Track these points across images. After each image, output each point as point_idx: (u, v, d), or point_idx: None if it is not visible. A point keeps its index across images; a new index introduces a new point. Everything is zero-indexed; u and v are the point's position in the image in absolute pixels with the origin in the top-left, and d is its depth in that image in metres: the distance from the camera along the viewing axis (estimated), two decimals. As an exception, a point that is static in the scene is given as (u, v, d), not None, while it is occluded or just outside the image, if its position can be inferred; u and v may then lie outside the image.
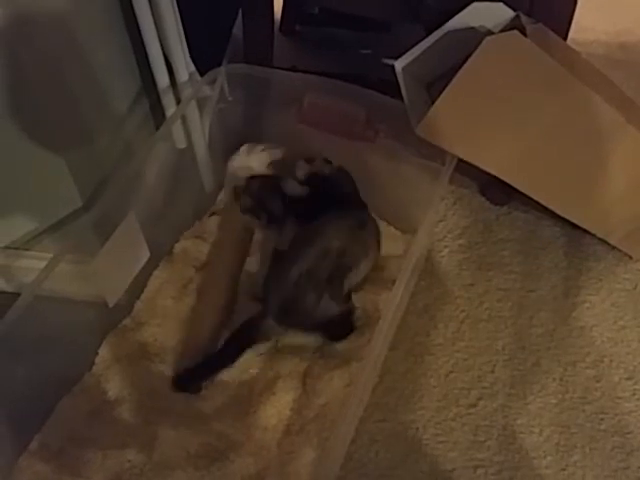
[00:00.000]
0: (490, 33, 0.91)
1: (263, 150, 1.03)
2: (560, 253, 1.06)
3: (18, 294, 0.78)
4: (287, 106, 1.05)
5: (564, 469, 0.82)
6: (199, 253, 1.03)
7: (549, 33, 0.94)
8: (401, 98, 0.95)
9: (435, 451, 0.83)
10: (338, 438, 0.69)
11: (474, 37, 0.88)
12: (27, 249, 0.94)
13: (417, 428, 0.85)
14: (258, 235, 1.05)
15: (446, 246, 1.07)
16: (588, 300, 1.00)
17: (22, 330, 0.76)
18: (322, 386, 0.85)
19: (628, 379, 0.91)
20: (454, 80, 0.86)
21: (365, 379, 0.74)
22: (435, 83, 0.97)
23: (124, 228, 0.87)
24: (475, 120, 0.89)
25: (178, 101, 1.03)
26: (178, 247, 1.04)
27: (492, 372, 0.91)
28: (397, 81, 0.95)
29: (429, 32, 0.95)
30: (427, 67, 0.96)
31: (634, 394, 0.89)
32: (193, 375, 0.87)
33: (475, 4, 0.91)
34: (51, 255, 0.82)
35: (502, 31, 0.91)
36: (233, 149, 1.09)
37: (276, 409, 0.84)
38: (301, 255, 0.87)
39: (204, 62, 1.04)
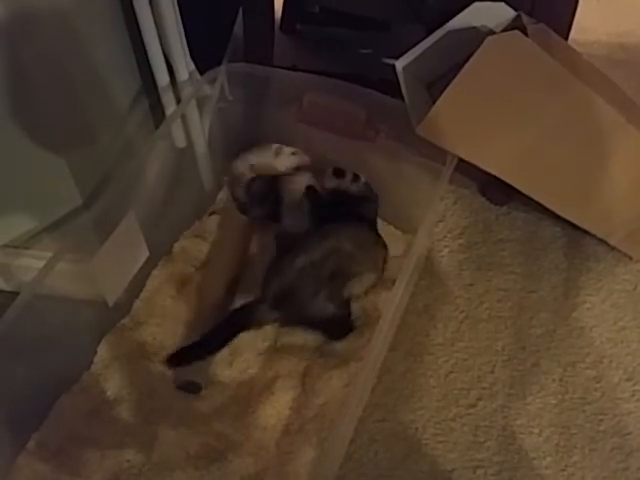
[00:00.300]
0: (491, 33, 0.91)
1: (293, 154, 1.04)
2: (560, 253, 1.06)
3: (17, 293, 0.78)
4: (287, 105, 1.05)
5: (564, 470, 0.82)
6: (198, 252, 1.03)
7: (550, 33, 0.94)
8: (401, 98, 0.95)
9: (434, 451, 0.83)
10: (337, 438, 0.69)
11: (475, 37, 0.88)
12: (26, 248, 0.93)
13: (416, 428, 0.85)
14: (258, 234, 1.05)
15: (446, 246, 1.07)
16: (588, 301, 1.00)
17: (21, 329, 0.76)
18: (321, 386, 0.85)
19: (628, 380, 0.91)
20: (455, 80, 0.86)
21: (364, 379, 0.74)
22: (436, 83, 0.97)
23: (123, 227, 0.86)
24: (476, 120, 0.89)
25: (178, 100, 1.02)
26: (177, 246, 1.04)
27: (492, 372, 0.91)
28: (398, 81, 0.95)
29: (430, 32, 0.95)
30: (428, 67, 0.96)
31: (633, 395, 0.89)
32: (186, 354, 0.85)
33: (476, 4, 0.91)
34: (50, 254, 0.81)
35: (503, 31, 0.90)
36: (233, 148, 1.09)
37: (275, 409, 0.84)
38: (310, 247, 0.87)
39: (204, 61, 1.04)
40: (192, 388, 0.87)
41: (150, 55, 0.95)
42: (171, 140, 1.03)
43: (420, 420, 0.86)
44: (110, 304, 0.87)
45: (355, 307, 0.94)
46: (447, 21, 0.93)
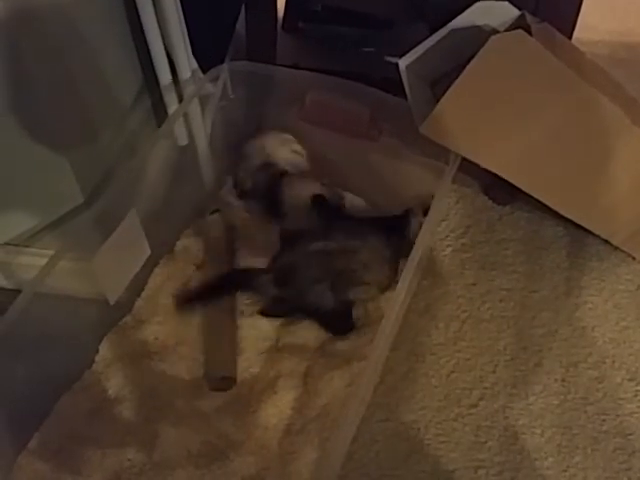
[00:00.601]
0: (495, 32, 0.90)
1: (295, 152, 1.03)
2: (563, 253, 1.05)
3: (18, 291, 0.77)
4: (290, 104, 1.05)
5: (565, 470, 0.82)
6: (200, 251, 1.02)
7: (554, 32, 0.93)
8: (404, 96, 0.95)
9: (436, 451, 0.83)
10: (339, 438, 0.69)
11: (479, 36, 0.88)
12: (27, 246, 0.93)
13: (418, 428, 0.85)
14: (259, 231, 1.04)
15: (448, 245, 1.06)
16: (590, 301, 0.99)
17: (22, 328, 0.75)
18: (323, 386, 0.85)
19: (630, 380, 0.90)
20: (459, 79, 0.86)
21: (367, 379, 0.74)
22: (439, 82, 0.96)
23: (125, 225, 0.86)
24: (479, 119, 0.89)
25: (180, 98, 1.02)
26: (179, 245, 1.03)
27: (494, 372, 0.91)
28: (401, 79, 0.95)
29: (433, 30, 0.95)
30: (431, 65, 0.95)
31: (636, 395, 0.89)
32: (188, 297, 0.91)
33: (480, 3, 0.91)
34: (52, 252, 0.81)
35: (507, 30, 0.90)
36: (235, 146, 1.09)
37: (277, 408, 0.83)
38: (331, 236, 0.88)
39: (207, 59, 1.04)
40: (226, 384, 0.87)
41: (152, 53, 0.95)
42: (173, 138, 1.03)
43: (422, 420, 0.86)
44: (111, 303, 0.87)
45: (357, 307, 0.94)
46: (450, 20, 0.93)
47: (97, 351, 0.90)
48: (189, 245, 1.03)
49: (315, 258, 0.87)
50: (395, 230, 0.94)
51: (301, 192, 0.99)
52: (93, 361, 0.89)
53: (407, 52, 0.95)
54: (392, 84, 0.95)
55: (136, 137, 1.03)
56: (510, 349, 0.93)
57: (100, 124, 0.95)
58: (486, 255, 1.05)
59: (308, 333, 0.92)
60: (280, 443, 0.81)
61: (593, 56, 1.03)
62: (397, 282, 0.86)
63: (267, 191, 1.02)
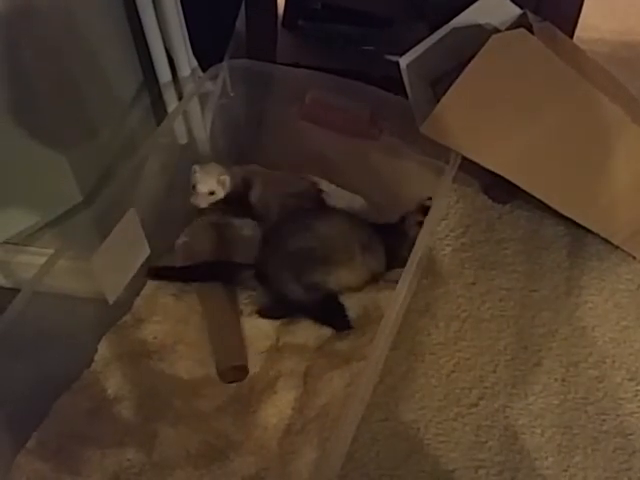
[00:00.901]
0: (496, 31, 0.90)
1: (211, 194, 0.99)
2: (563, 252, 1.05)
3: (17, 290, 0.77)
4: (290, 102, 1.05)
5: (566, 470, 0.82)
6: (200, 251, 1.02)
7: (556, 31, 0.93)
8: (404, 95, 0.95)
9: (436, 451, 0.83)
10: (339, 438, 0.69)
11: (480, 34, 0.88)
12: (26, 245, 0.93)
13: (418, 428, 0.85)
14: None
15: (448, 244, 1.06)
16: (590, 300, 0.99)
17: (21, 327, 0.75)
18: (323, 385, 0.85)
19: (630, 380, 0.90)
20: (459, 78, 0.85)
21: (367, 378, 0.74)
22: (440, 80, 0.96)
23: (124, 224, 0.86)
24: (480, 119, 0.89)
25: (180, 97, 1.02)
26: (179, 244, 1.03)
27: (494, 372, 0.91)
28: (401, 78, 0.94)
29: (433, 29, 0.95)
30: (432, 64, 0.95)
31: (636, 395, 0.89)
32: (164, 271, 0.96)
33: (481, 1, 0.91)
34: (51, 251, 0.81)
35: (509, 29, 0.90)
36: (235, 145, 1.09)
37: (277, 408, 0.83)
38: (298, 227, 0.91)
39: (206, 57, 1.03)
40: (239, 373, 0.87)
41: (152, 51, 0.95)
42: (172, 137, 1.03)
43: (422, 420, 0.86)
44: (110, 302, 0.87)
45: (357, 306, 0.93)
46: (451, 18, 0.93)
47: (96, 350, 0.90)
48: (189, 244, 1.03)
49: (284, 251, 0.89)
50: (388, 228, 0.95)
51: (274, 191, 1.00)
52: (92, 360, 0.89)
53: (407, 51, 0.95)
54: (392, 83, 0.95)
55: (135, 135, 1.03)
56: (510, 349, 0.93)
57: (99, 122, 0.94)
58: (486, 254, 1.05)
59: (308, 333, 0.91)
60: (280, 443, 0.81)
61: (594, 55, 1.03)
62: (384, 275, 0.92)
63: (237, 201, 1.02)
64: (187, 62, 0.99)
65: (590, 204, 0.97)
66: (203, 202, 0.97)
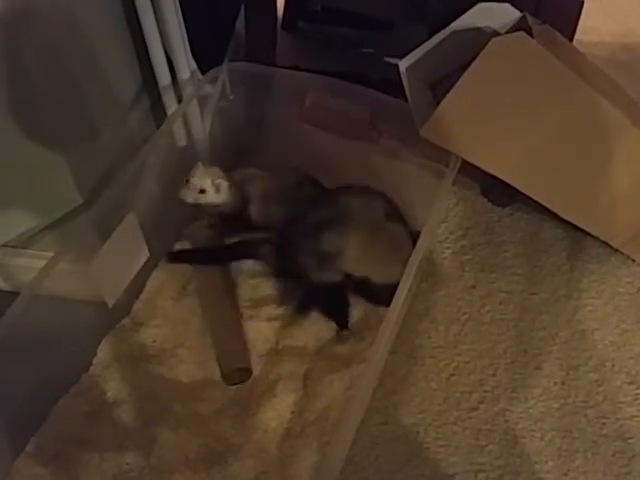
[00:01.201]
0: (496, 34, 0.90)
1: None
2: (563, 255, 1.05)
3: (16, 293, 0.77)
4: (289, 105, 1.04)
5: (565, 474, 0.82)
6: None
7: (556, 34, 0.93)
8: (404, 97, 0.95)
9: (436, 455, 0.83)
10: (339, 441, 0.69)
11: (479, 38, 0.88)
12: (26, 248, 0.93)
13: (418, 432, 0.85)
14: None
15: (448, 247, 1.06)
16: (590, 303, 0.99)
17: (20, 330, 0.75)
18: (322, 389, 0.85)
19: (630, 383, 0.90)
20: (459, 81, 0.85)
21: (367, 382, 0.74)
22: (439, 84, 0.96)
23: (124, 227, 0.86)
24: (480, 122, 0.89)
25: (179, 99, 1.02)
26: (178, 247, 1.03)
27: (494, 375, 0.90)
28: (400, 81, 0.94)
29: (433, 32, 0.95)
30: (431, 67, 0.95)
31: (636, 399, 0.89)
32: (184, 255, 0.99)
33: (481, 4, 0.90)
34: (50, 254, 0.81)
35: (508, 32, 0.90)
36: (234, 148, 1.08)
37: (276, 411, 0.83)
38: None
39: (206, 60, 1.03)
40: (243, 375, 0.87)
41: (151, 54, 0.95)
42: (172, 139, 1.03)
43: (421, 424, 0.85)
44: (110, 305, 0.87)
45: (357, 309, 0.93)
46: (451, 21, 0.93)
47: (95, 354, 0.90)
48: (188, 247, 1.03)
49: (303, 221, 0.90)
50: None
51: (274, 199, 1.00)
52: (91, 364, 0.89)
53: (407, 53, 0.95)
54: (392, 85, 0.95)
55: (135, 138, 1.02)
56: (510, 352, 0.93)
57: (99, 125, 0.94)
58: (486, 257, 1.05)
59: (308, 336, 0.91)
60: (279, 446, 0.80)
61: (593, 57, 1.03)
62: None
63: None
64: (186, 65, 0.99)
65: (590, 207, 0.96)
66: (189, 197, 0.94)
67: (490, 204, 1.12)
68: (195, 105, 1.02)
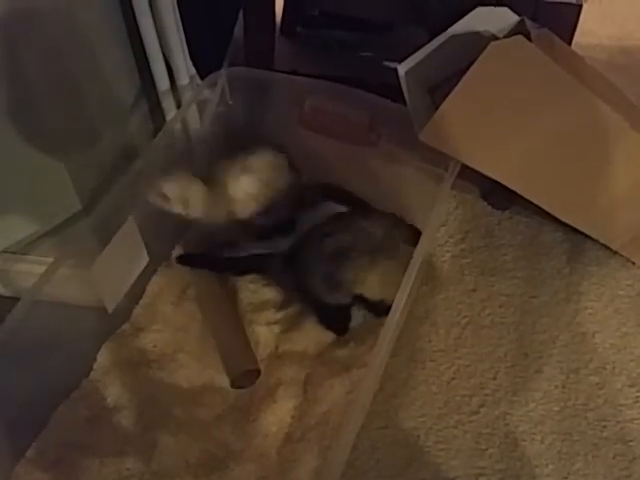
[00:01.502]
0: (494, 38, 0.90)
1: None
2: (562, 259, 1.05)
3: (17, 299, 0.77)
4: (288, 110, 1.05)
5: (566, 477, 0.82)
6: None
7: (554, 38, 0.93)
8: (403, 101, 0.95)
9: (437, 459, 0.83)
10: (339, 445, 0.69)
11: (478, 42, 0.88)
12: (26, 253, 0.93)
13: (418, 435, 0.85)
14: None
15: (448, 251, 1.06)
16: (590, 306, 0.99)
17: (21, 335, 0.75)
18: (323, 393, 0.85)
19: (631, 386, 0.90)
20: (458, 86, 0.85)
21: (367, 386, 0.74)
22: (438, 88, 0.96)
23: (123, 232, 0.86)
24: (479, 126, 0.89)
25: (178, 104, 1.02)
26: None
27: (494, 379, 0.90)
28: (399, 85, 0.95)
29: (431, 36, 0.95)
30: (430, 71, 0.95)
31: (637, 401, 0.89)
32: (194, 258, 0.98)
33: (479, 8, 0.91)
34: (50, 259, 0.81)
35: (507, 36, 0.90)
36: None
37: (277, 416, 0.83)
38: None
39: (204, 65, 1.03)
40: (250, 378, 0.86)
41: (150, 59, 0.95)
42: (171, 144, 1.03)
43: (422, 427, 0.85)
44: (110, 310, 0.87)
45: (357, 313, 0.93)
46: (449, 25, 0.93)
47: (95, 359, 0.90)
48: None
49: (311, 237, 0.90)
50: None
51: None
52: (91, 369, 0.89)
53: (406, 57, 0.95)
54: (391, 89, 0.95)
55: (134, 143, 1.03)
56: (510, 355, 0.93)
57: (98, 130, 0.94)
58: (485, 261, 1.05)
59: (307, 340, 0.91)
60: (280, 451, 0.80)
61: (592, 61, 1.03)
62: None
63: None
64: (185, 70, 0.99)
65: (589, 210, 0.97)
66: (154, 200, 0.87)
67: (490, 207, 1.12)
68: (194, 110, 1.02)
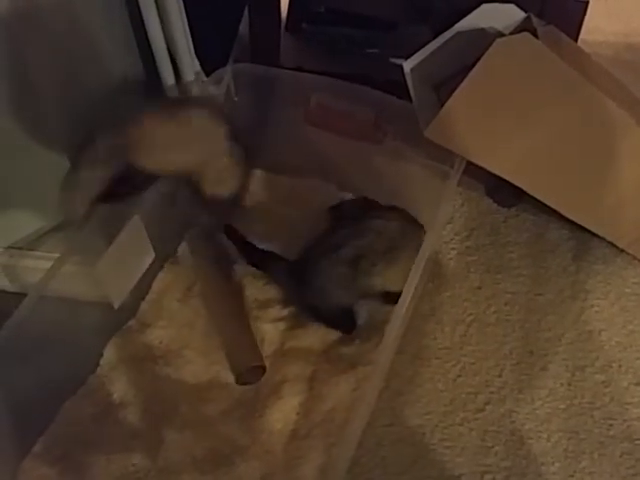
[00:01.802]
0: (500, 34, 0.90)
1: None
2: (568, 256, 1.05)
3: (23, 294, 0.78)
4: (294, 106, 1.04)
5: (572, 475, 0.82)
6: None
7: (560, 35, 0.93)
8: (408, 98, 0.95)
9: (442, 456, 0.83)
10: (345, 442, 0.69)
11: (484, 38, 0.88)
12: (32, 249, 0.93)
13: (424, 433, 0.85)
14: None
15: (453, 248, 1.06)
16: (596, 304, 0.99)
17: (27, 331, 0.76)
18: (328, 390, 0.85)
19: (637, 384, 0.90)
20: (464, 82, 0.85)
21: (373, 383, 0.74)
22: (443, 84, 0.96)
23: (129, 229, 0.86)
24: (484, 123, 0.89)
25: (184, 101, 1.02)
26: (183, 248, 1.03)
27: (500, 376, 0.90)
28: (405, 82, 0.94)
29: (437, 33, 0.95)
30: (436, 68, 0.95)
31: (643, 400, 0.89)
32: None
33: (485, 5, 0.91)
34: (56, 255, 0.81)
35: (513, 33, 0.90)
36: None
37: (282, 413, 0.83)
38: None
39: (210, 61, 1.03)
40: (256, 374, 0.86)
41: (155, 55, 0.95)
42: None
43: (428, 425, 0.85)
44: (116, 307, 0.87)
45: (362, 310, 0.93)
46: (455, 22, 0.93)
47: (102, 355, 0.90)
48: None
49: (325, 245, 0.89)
50: None
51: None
52: (97, 365, 0.89)
53: (412, 54, 0.95)
54: (396, 86, 0.95)
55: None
56: (516, 353, 0.93)
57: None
58: (491, 258, 1.05)
59: (313, 337, 0.91)
60: (285, 448, 0.80)
61: (598, 57, 1.03)
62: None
63: None
64: (191, 66, 0.99)
65: (595, 207, 0.96)
66: None
67: (495, 205, 1.12)
68: (200, 107, 1.02)
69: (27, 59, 0.78)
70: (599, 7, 1.19)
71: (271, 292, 0.97)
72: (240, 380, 0.86)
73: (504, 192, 1.09)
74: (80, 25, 0.84)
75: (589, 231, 1.01)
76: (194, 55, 1.00)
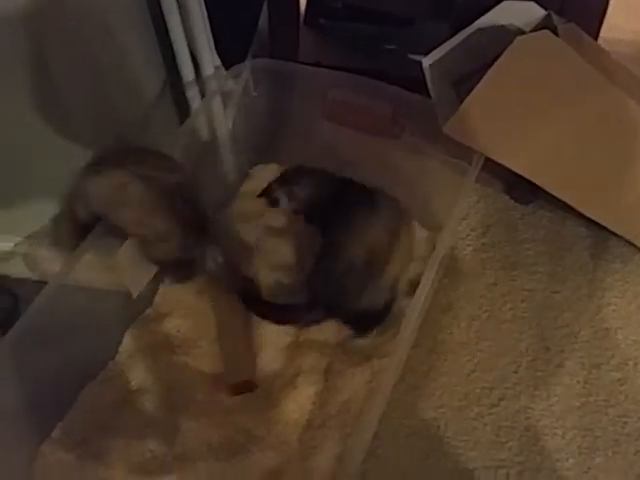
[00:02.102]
0: (521, 32, 0.90)
1: None
2: (585, 254, 1.04)
3: (44, 282, 0.79)
4: (312, 101, 1.05)
5: (586, 472, 0.82)
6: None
7: (581, 33, 0.93)
8: (426, 94, 0.95)
9: (456, 450, 0.83)
10: (361, 432, 0.69)
11: (504, 36, 0.88)
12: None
13: (438, 426, 0.85)
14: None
15: (469, 245, 1.06)
16: (613, 302, 0.98)
17: (48, 318, 0.77)
18: (344, 382, 0.85)
19: (653, 383, 0.90)
20: (484, 79, 0.86)
21: (389, 375, 0.74)
22: (462, 81, 0.96)
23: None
24: (503, 120, 0.89)
25: (203, 95, 1.03)
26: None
27: (515, 373, 0.90)
28: (424, 78, 0.95)
29: (457, 29, 0.95)
30: (455, 65, 0.95)
31: (659, 398, 0.88)
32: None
33: (506, 2, 0.91)
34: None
35: (533, 30, 0.90)
36: (256, 144, 1.09)
37: (297, 404, 0.84)
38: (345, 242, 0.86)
39: (229, 56, 1.04)
40: (247, 387, 0.86)
41: (176, 50, 0.96)
42: (195, 134, 1.04)
43: (442, 418, 0.86)
44: (134, 296, 0.88)
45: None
46: (475, 19, 0.93)
47: (120, 342, 0.91)
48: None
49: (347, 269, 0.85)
50: None
51: None
52: (117, 352, 0.90)
53: (430, 50, 0.95)
54: (415, 82, 0.95)
55: (159, 133, 1.04)
56: (532, 349, 0.93)
57: (123, 119, 0.95)
58: (507, 255, 1.04)
59: (328, 329, 0.91)
60: (300, 438, 0.81)
61: (617, 55, 1.02)
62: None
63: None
64: (210, 60, 1.00)
65: (614, 205, 0.96)
66: None
67: (512, 201, 1.12)
68: (218, 101, 1.03)
69: (50, 55, 0.79)
70: (619, 5, 1.19)
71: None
72: (233, 391, 0.86)
73: (521, 189, 1.09)
74: (102, 20, 0.85)
75: (606, 229, 1.01)
76: (214, 50, 1.01)
